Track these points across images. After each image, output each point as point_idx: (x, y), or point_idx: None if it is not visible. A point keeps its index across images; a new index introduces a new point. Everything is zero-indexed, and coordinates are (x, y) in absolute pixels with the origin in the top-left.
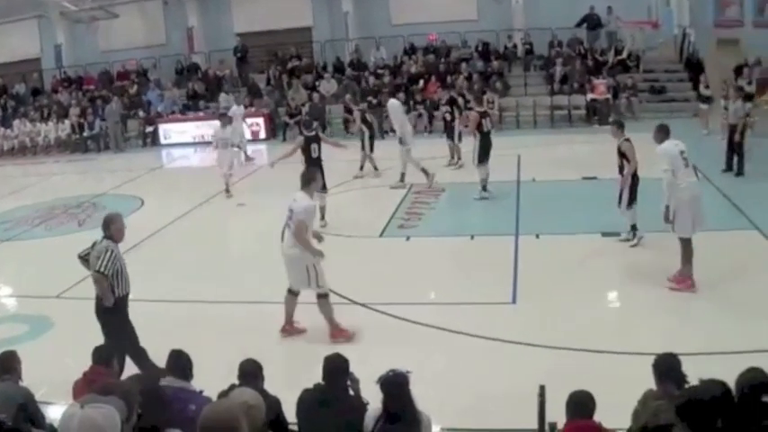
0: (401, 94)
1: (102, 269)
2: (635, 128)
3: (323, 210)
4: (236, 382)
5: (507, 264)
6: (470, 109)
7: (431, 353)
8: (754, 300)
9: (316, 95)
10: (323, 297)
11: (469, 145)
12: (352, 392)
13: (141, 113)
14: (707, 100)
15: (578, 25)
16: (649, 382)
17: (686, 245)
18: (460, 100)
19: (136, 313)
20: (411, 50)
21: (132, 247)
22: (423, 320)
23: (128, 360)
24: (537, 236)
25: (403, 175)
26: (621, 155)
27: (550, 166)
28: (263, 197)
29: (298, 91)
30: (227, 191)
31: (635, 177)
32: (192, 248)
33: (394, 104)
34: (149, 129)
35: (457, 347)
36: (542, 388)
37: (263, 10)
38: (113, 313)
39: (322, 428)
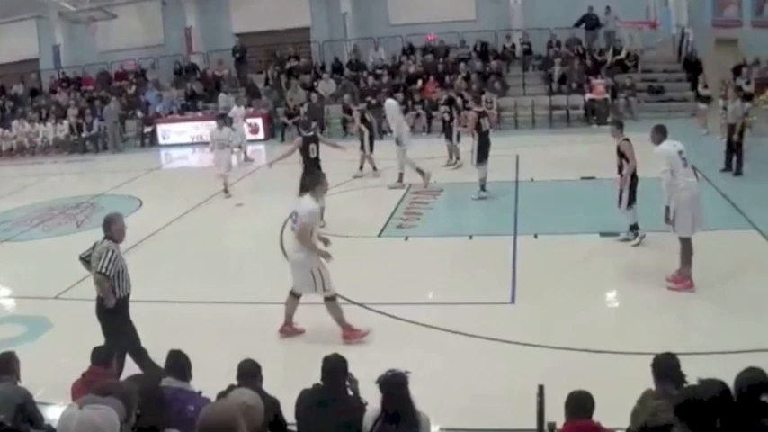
0: (399, 95)
1: (103, 270)
2: (633, 128)
3: (321, 210)
4: (235, 382)
5: (506, 264)
6: (468, 109)
7: (429, 353)
8: (752, 299)
9: (314, 96)
10: (330, 300)
11: (468, 145)
12: (350, 393)
13: (139, 114)
14: (706, 100)
15: (577, 25)
16: (648, 382)
17: (686, 244)
18: (459, 100)
19: (135, 314)
20: (409, 51)
21: (131, 248)
22: (421, 320)
23: (128, 361)
24: (535, 236)
25: (401, 175)
26: (621, 155)
27: (549, 166)
28: (262, 197)
29: (296, 91)
30: (226, 191)
31: (634, 177)
32: (190, 249)
33: (391, 104)
34: (148, 129)
35: (456, 347)
36: (541, 388)
37: (262, 10)
38: (114, 314)
39: (321, 429)
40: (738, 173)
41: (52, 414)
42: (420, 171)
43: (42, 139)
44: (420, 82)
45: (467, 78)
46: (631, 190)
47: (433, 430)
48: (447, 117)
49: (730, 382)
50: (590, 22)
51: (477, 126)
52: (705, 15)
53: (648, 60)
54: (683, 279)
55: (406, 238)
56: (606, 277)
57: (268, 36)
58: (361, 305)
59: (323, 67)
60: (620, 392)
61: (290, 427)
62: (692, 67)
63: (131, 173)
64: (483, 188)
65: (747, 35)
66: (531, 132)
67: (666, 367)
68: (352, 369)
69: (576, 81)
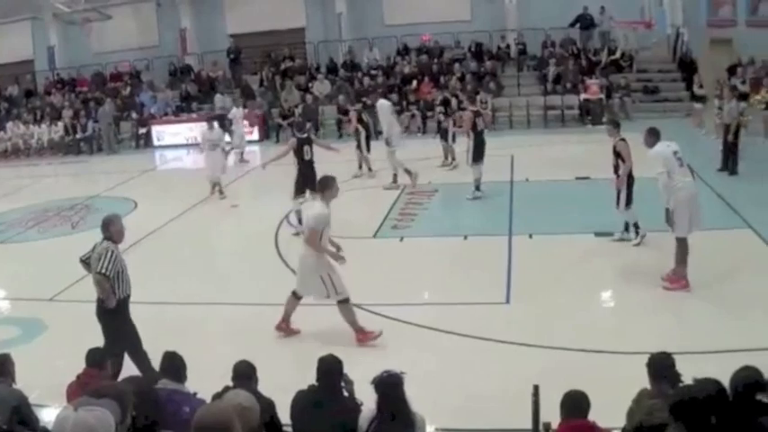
0: (394, 95)
1: (103, 270)
2: (628, 128)
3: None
4: (230, 383)
5: (501, 264)
6: (463, 110)
7: (425, 353)
8: (747, 299)
9: (309, 96)
10: (343, 302)
11: (463, 145)
12: (346, 394)
13: (134, 115)
14: (701, 100)
15: (571, 25)
16: (644, 382)
17: (682, 244)
18: (454, 101)
19: (131, 315)
20: (404, 51)
21: (126, 250)
22: (417, 321)
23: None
24: (530, 236)
25: (395, 176)
26: (617, 155)
27: (544, 166)
28: (257, 199)
29: (291, 92)
30: (221, 192)
31: (630, 177)
32: (185, 250)
33: (384, 105)
34: (142, 130)
35: (451, 348)
36: (536, 388)
37: (256, 11)
38: (114, 315)
39: (316, 430)
40: (734, 172)
41: (47, 416)
42: (408, 171)
43: (37, 140)
44: (415, 82)
45: (461, 79)
46: (628, 190)
47: (428, 431)
48: (442, 118)
49: (726, 382)
50: (585, 22)
51: (473, 125)
52: (700, 15)
53: (643, 60)
54: (678, 279)
55: (402, 239)
56: (601, 277)
57: (263, 37)
58: (356, 306)
59: (318, 68)
60: (616, 392)
61: (285, 429)
62: (687, 67)
63: (126, 174)
64: (478, 188)
65: (742, 35)
66: (525, 132)
67: (662, 367)
68: (348, 370)
69: (571, 81)
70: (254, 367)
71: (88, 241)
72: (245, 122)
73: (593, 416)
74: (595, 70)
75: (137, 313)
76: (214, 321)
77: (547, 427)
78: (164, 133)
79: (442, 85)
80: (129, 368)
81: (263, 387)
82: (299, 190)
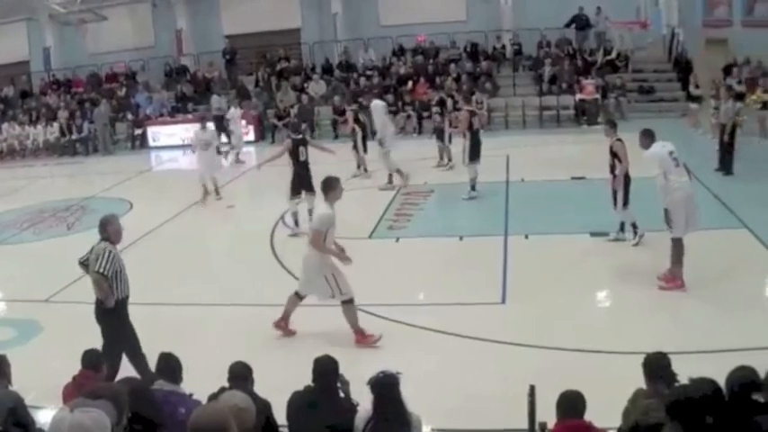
0: (390, 96)
1: (101, 270)
2: (624, 128)
3: (311, 212)
4: (226, 384)
5: (496, 264)
6: (459, 110)
7: (420, 353)
8: (743, 298)
9: (304, 97)
10: (347, 303)
11: (459, 145)
12: (342, 394)
13: (130, 116)
14: (697, 100)
15: (567, 26)
16: (639, 382)
17: (677, 244)
18: (449, 101)
19: None
20: (400, 51)
21: (122, 251)
22: (412, 321)
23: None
24: (526, 236)
25: (390, 176)
26: (613, 155)
27: (539, 166)
28: (252, 199)
29: (286, 93)
30: (217, 193)
31: (627, 177)
32: (181, 251)
33: (378, 106)
34: (138, 131)
35: (447, 348)
36: (532, 388)
37: (252, 12)
38: (113, 316)
39: (312, 430)
40: (729, 172)
41: (43, 417)
42: (399, 172)
43: (33, 141)
44: (410, 83)
45: (457, 79)
46: (625, 190)
47: (424, 431)
48: (438, 118)
49: (722, 381)
50: (580, 22)
51: (469, 125)
52: (695, 15)
53: (639, 60)
54: (673, 279)
55: (397, 240)
56: (597, 277)
57: (258, 37)
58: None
59: (313, 69)
60: (612, 392)
61: (281, 430)
62: (683, 67)
63: (122, 175)
64: (473, 188)
65: (737, 35)
66: (521, 133)
67: (657, 367)
68: (343, 370)
69: (567, 81)
70: (250, 368)
71: (84, 242)
72: (243, 122)
73: (589, 416)
74: (591, 70)
75: (132, 314)
76: (210, 322)
77: (543, 427)
78: (159, 134)
79: (437, 86)
80: (126, 370)
81: (259, 388)
82: (295, 191)
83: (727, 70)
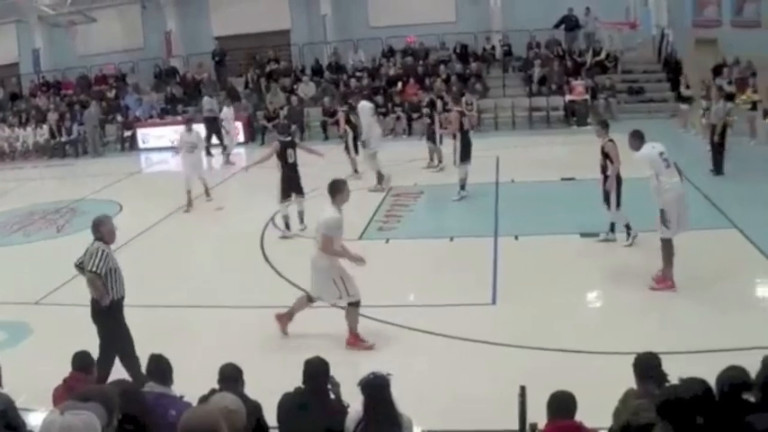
0: (379, 97)
1: (94, 268)
2: (614, 128)
3: (301, 214)
4: (217, 386)
5: (486, 265)
6: (448, 111)
7: (411, 355)
8: (734, 298)
9: (294, 99)
10: (353, 305)
11: (449, 146)
12: (332, 396)
13: (119, 118)
14: (687, 100)
15: (556, 26)
16: (630, 382)
17: (667, 245)
18: (439, 102)
19: None
20: (389, 53)
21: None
22: (402, 322)
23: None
24: (516, 237)
25: (380, 174)
26: (605, 155)
27: (529, 167)
28: (242, 201)
29: (276, 94)
30: (207, 194)
31: (618, 178)
32: (171, 253)
33: (365, 107)
34: (128, 133)
35: (437, 349)
36: (523, 388)
37: (241, 13)
38: (108, 316)
39: None
40: (719, 172)
41: (34, 420)
42: (380, 174)
43: (22, 143)
44: (400, 84)
45: (447, 80)
46: (617, 191)
47: None
48: (428, 120)
49: (712, 381)
50: (570, 23)
51: (460, 125)
52: (685, 16)
53: (628, 61)
54: (664, 279)
55: (387, 241)
56: (587, 278)
57: (248, 39)
58: (342, 308)
59: (303, 70)
60: (602, 392)
61: (271, 431)
62: (672, 68)
63: (111, 177)
64: (463, 187)
65: (727, 35)
66: (511, 134)
67: (648, 367)
68: (334, 372)
69: (556, 82)
70: (241, 370)
71: (74, 244)
72: (237, 123)
73: (580, 416)
74: (580, 71)
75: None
76: (200, 324)
77: (533, 427)
78: (149, 136)
79: (427, 87)
80: (117, 372)
81: (250, 390)
82: (285, 194)
83: (717, 70)
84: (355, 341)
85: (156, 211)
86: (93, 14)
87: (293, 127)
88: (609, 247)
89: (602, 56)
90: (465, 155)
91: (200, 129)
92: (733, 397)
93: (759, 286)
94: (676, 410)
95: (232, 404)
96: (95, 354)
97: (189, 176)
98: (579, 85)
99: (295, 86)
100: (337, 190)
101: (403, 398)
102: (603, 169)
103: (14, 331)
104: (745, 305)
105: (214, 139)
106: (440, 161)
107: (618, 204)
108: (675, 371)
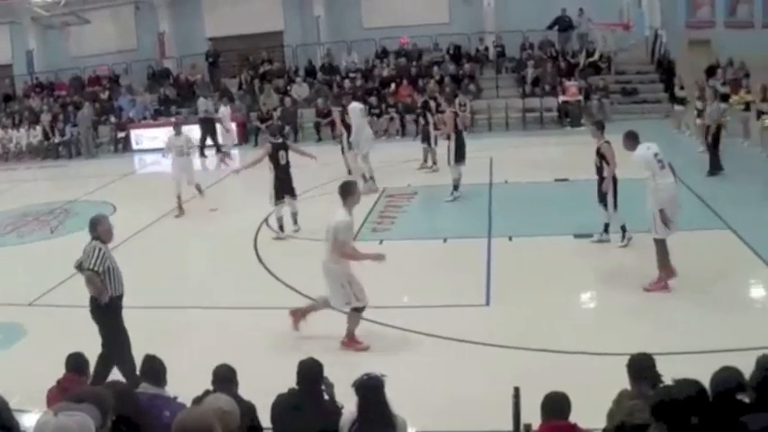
0: (373, 98)
1: (92, 266)
2: (607, 129)
3: (295, 215)
4: (211, 387)
5: (480, 266)
6: (441, 112)
7: (405, 356)
8: (727, 299)
9: (287, 100)
10: (358, 310)
11: (443, 147)
12: (326, 397)
13: (113, 119)
14: (681, 101)
15: (550, 27)
16: (624, 383)
17: (661, 246)
18: (432, 103)
19: None
20: (383, 54)
21: None
22: (397, 324)
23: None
24: (510, 238)
25: (372, 178)
26: (601, 156)
27: (522, 168)
28: (235, 202)
29: (269, 95)
30: (200, 191)
31: (613, 179)
32: (164, 254)
33: (355, 108)
34: (121, 134)
35: (431, 350)
36: (517, 389)
37: (235, 14)
38: (107, 312)
39: None
40: (713, 173)
41: (28, 421)
42: (364, 177)
43: (15, 144)
44: (393, 85)
45: (440, 81)
46: (614, 192)
47: None
48: (423, 121)
49: (706, 382)
50: (563, 24)
51: (454, 125)
52: (678, 16)
53: (621, 62)
54: (658, 280)
55: (381, 242)
56: (581, 279)
57: (241, 40)
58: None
59: (296, 71)
60: (596, 393)
61: None
62: (666, 69)
63: (105, 178)
64: (456, 188)
65: (720, 36)
66: (504, 135)
67: (642, 368)
68: (328, 373)
69: (550, 83)
70: (235, 371)
71: (67, 246)
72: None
73: (574, 417)
74: (574, 72)
75: None
76: (193, 325)
77: (528, 428)
78: (142, 137)
79: (420, 88)
80: (113, 373)
81: (244, 391)
82: (278, 196)
83: (710, 71)
84: (351, 342)
85: (149, 213)
86: (86, 16)
87: (287, 128)
88: (603, 248)
89: (596, 57)
90: (459, 156)
91: (194, 130)
92: (727, 398)
93: (753, 287)
94: (671, 411)
95: (226, 405)
96: (90, 355)
97: (178, 181)
98: (572, 85)
99: (288, 88)
100: (349, 192)
101: (397, 399)
102: (599, 170)
103: (8, 333)
104: (739, 306)
105: (210, 141)
106: (434, 162)
107: (615, 206)
108: (669, 372)
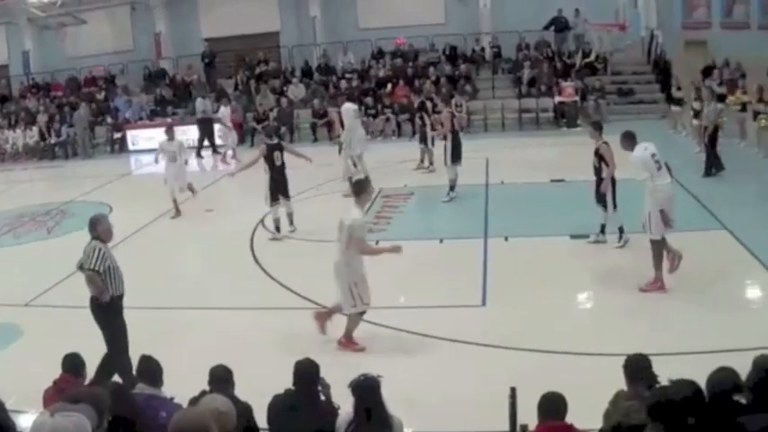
0: (369, 98)
1: (93, 266)
2: (604, 130)
3: (290, 216)
4: (207, 388)
5: (476, 266)
6: (438, 113)
7: (402, 356)
8: (724, 300)
9: (284, 100)
10: (359, 313)
11: (440, 147)
12: (323, 397)
13: (109, 120)
14: (678, 102)
15: (546, 28)
16: (620, 383)
17: (657, 246)
18: (429, 104)
19: None
20: (379, 54)
21: None
22: (393, 324)
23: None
24: (506, 238)
25: (367, 178)
26: (599, 157)
27: (518, 168)
28: (231, 202)
29: (266, 96)
30: (192, 191)
31: (612, 180)
32: (161, 254)
33: (348, 109)
34: (117, 135)
35: (427, 350)
36: (513, 390)
37: (231, 15)
38: (108, 311)
39: None
40: (709, 174)
41: (24, 422)
42: (350, 180)
43: (12, 145)
44: (389, 86)
45: (436, 82)
46: (612, 193)
47: None
48: (420, 122)
49: (702, 383)
50: (559, 24)
51: (451, 125)
52: (674, 17)
53: (618, 62)
54: (654, 281)
55: (377, 242)
56: (577, 279)
57: (237, 41)
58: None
59: (292, 72)
60: (593, 394)
61: None
62: (662, 69)
63: (101, 179)
64: (452, 188)
65: (716, 37)
66: (500, 135)
67: (638, 368)
68: (325, 373)
69: (546, 84)
70: (231, 371)
71: (64, 246)
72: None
73: (570, 417)
74: (570, 73)
75: None
76: (190, 325)
77: (524, 428)
78: (138, 138)
79: (416, 89)
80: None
81: (240, 391)
82: (273, 197)
83: (706, 72)
84: (348, 343)
85: (146, 213)
86: (82, 16)
87: (282, 129)
88: (599, 248)
89: (592, 57)
90: (456, 156)
91: (190, 131)
92: (723, 398)
93: (749, 287)
94: (667, 412)
95: (222, 406)
96: (86, 356)
97: (172, 186)
98: (569, 86)
99: (285, 88)
100: (362, 189)
101: (393, 399)
102: (597, 171)
103: (4, 333)
104: (736, 306)
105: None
106: (430, 163)
107: (615, 206)
108: (665, 372)
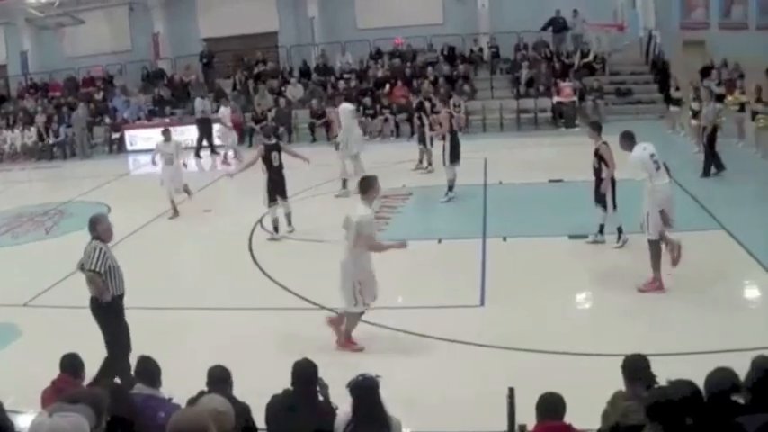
0: (367, 99)
1: (93, 267)
2: (602, 130)
3: (288, 216)
4: (205, 388)
5: (475, 267)
6: (436, 113)
7: (400, 356)
8: (722, 300)
9: (282, 101)
10: (358, 313)
11: (439, 148)
12: (321, 397)
13: (107, 120)
14: (677, 102)
15: (544, 28)
16: (619, 383)
17: (654, 247)
18: (427, 104)
19: None
20: (377, 55)
21: None
22: (392, 324)
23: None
24: (504, 239)
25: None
26: (599, 158)
27: (517, 169)
28: (230, 203)
29: (264, 96)
30: (188, 192)
31: (611, 180)
32: (159, 255)
33: (345, 109)
34: (115, 135)
35: (426, 351)
36: (512, 390)
37: (229, 15)
38: (109, 312)
39: None
40: (707, 174)
41: (22, 422)
42: (344, 182)
43: (10, 145)
44: (388, 86)
45: (434, 82)
46: (612, 193)
47: None
48: (418, 122)
49: (700, 383)
50: (557, 25)
51: (449, 126)
52: (672, 17)
53: (616, 63)
54: (652, 281)
55: None
56: (576, 279)
57: (236, 41)
58: (331, 310)
59: (291, 72)
60: (591, 394)
61: None
62: (660, 70)
63: (100, 179)
64: (451, 188)
65: (714, 37)
66: (498, 136)
67: (636, 368)
68: (323, 374)
69: (544, 84)
70: (229, 372)
71: (62, 246)
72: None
73: (569, 418)
74: (568, 73)
75: None
76: (188, 326)
77: (522, 429)
78: (137, 138)
79: (415, 89)
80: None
81: (239, 391)
82: (271, 198)
83: (705, 72)
84: (346, 343)
85: (144, 213)
86: (80, 16)
87: (280, 129)
88: (598, 248)
89: (590, 57)
90: (454, 156)
91: (188, 131)
92: (722, 399)
93: (747, 288)
94: (665, 412)
95: (221, 406)
96: (85, 356)
97: (169, 188)
98: (567, 86)
99: (283, 88)
100: (369, 186)
101: (392, 399)
102: (597, 171)
103: (3, 333)
104: (734, 306)
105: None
106: (429, 163)
107: (614, 206)
108: (664, 372)
